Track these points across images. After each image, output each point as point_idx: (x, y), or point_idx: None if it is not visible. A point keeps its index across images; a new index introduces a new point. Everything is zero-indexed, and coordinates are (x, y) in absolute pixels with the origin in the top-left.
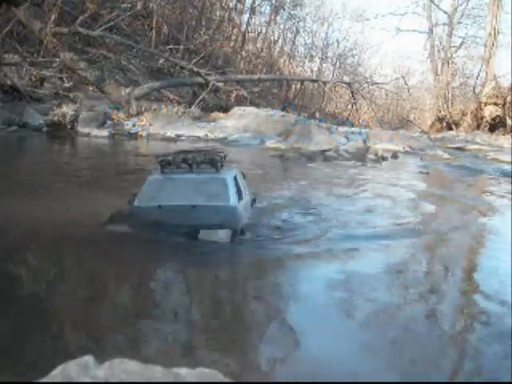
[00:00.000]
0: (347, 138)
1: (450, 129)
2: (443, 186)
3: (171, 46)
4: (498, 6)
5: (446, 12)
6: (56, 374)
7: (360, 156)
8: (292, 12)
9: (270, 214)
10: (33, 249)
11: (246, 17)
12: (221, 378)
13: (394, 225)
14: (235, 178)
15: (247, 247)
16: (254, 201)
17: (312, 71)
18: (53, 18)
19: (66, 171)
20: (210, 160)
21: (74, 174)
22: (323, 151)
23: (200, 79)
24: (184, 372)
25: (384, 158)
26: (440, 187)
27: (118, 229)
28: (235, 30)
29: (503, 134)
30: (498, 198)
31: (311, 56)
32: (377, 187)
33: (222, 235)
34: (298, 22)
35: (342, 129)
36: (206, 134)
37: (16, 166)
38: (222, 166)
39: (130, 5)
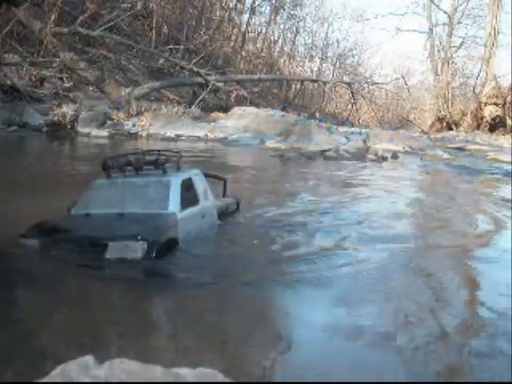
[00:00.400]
0: (347, 138)
1: (450, 129)
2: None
3: (171, 46)
4: (497, 6)
5: (446, 12)
6: (56, 373)
7: (360, 156)
8: (292, 12)
9: (249, 225)
10: None
11: (246, 17)
12: (221, 378)
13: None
14: (187, 182)
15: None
16: (237, 205)
17: (312, 71)
18: (53, 18)
19: (66, 171)
20: (154, 162)
21: (73, 175)
22: (323, 151)
23: (200, 79)
24: (184, 372)
25: (384, 158)
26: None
27: (29, 243)
28: (235, 30)
29: (503, 134)
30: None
31: (311, 56)
32: (378, 195)
33: (134, 250)
34: (298, 22)
35: (342, 129)
36: (206, 134)
37: (16, 166)
38: (178, 168)
39: (130, 5)
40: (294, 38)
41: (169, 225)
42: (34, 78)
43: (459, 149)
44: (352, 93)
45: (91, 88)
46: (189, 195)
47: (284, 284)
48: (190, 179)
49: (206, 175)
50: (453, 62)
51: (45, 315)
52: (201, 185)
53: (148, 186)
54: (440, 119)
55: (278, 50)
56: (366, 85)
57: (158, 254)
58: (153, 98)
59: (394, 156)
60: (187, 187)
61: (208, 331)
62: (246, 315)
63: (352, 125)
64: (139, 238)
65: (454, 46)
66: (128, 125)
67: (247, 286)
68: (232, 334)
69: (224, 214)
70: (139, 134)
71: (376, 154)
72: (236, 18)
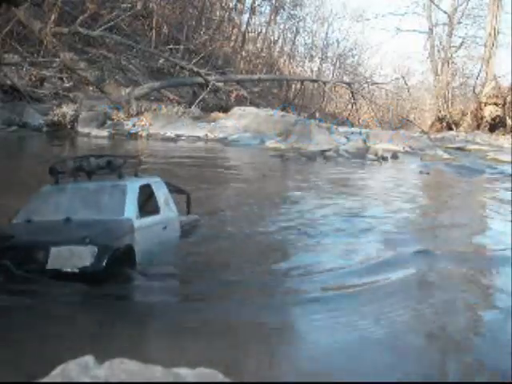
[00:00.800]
0: (347, 138)
1: (450, 129)
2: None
3: (171, 46)
4: (497, 6)
5: (445, 12)
6: (56, 373)
7: (360, 156)
8: (292, 12)
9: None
10: None
11: (246, 17)
12: (221, 378)
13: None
14: (146, 189)
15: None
16: (195, 222)
17: (312, 71)
18: (53, 18)
19: None
20: (108, 165)
21: None
22: (323, 151)
23: (200, 79)
24: (184, 372)
25: (384, 158)
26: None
27: None
28: (235, 30)
29: (503, 134)
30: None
31: (311, 56)
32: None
33: (81, 257)
34: (297, 22)
35: (342, 129)
36: (206, 134)
37: (16, 166)
38: (136, 173)
39: (130, 5)
40: (294, 38)
41: (124, 231)
42: (34, 78)
43: (459, 149)
44: (352, 93)
45: (91, 88)
46: (148, 203)
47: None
48: (149, 186)
49: (169, 187)
50: (453, 62)
51: None
52: (162, 193)
53: (101, 191)
54: (440, 119)
55: (278, 50)
56: (365, 85)
57: (111, 262)
58: (153, 98)
59: (394, 156)
60: (146, 194)
61: None
62: None
63: (352, 125)
64: (88, 240)
65: (454, 46)
66: (128, 125)
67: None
68: None
69: (188, 231)
70: (139, 133)
71: (376, 154)
72: (236, 18)
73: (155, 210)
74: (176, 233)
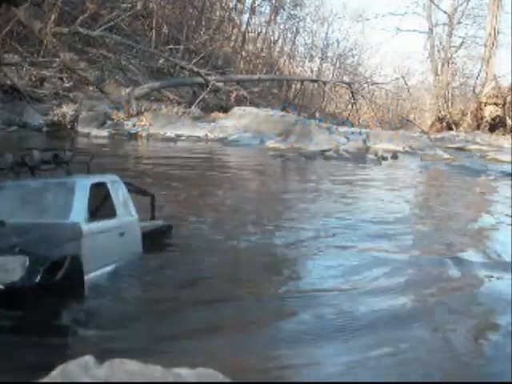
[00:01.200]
0: (347, 138)
1: (450, 129)
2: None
3: (171, 46)
4: (497, 6)
5: (445, 12)
6: (56, 373)
7: (360, 156)
8: (292, 12)
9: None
10: None
11: (246, 17)
12: (221, 378)
13: None
14: (100, 188)
15: None
16: (166, 229)
17: (312, 71)
18: (53, 18)
19: None
20: (54, 160)
21: None
22: (323, 151)
23: (200, 79)
24: (184, 372)
25: (384, 158)
26: None
27: None
28: (235, 30)
29: (503, 134)
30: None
31: (311, 56)
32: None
33: (7, 270)
34: (298, 22)
35: (342, 129)
36: (206, 134)
37: None
38: (88, 170)
39: (130, 5)
40: (294, 38)
41: (67, 237)
42: (34, 78)
43: (459, 149)
44: (352, 93)
45: (91, 88)
46: (101, 205)
47: None
48: (103, 184)
49: (128, 187)
50: (453, 62)
51: None
52: (119, 194)
53: (45, 189)
54: (440, 119)
55: (278, 50)
56: (365, 85)
57: (48, 277)
58: (153, 98)
59: (394, 156)
60: (100, 194)
61: None
62: None
63: (352, 125)
64: (17, 249)
65: (454, 46)
66: (128, 125)
67: None
68: None
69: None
70: (139, 134)
71: (376, 154)
72: (236, 17)
73: (110, 213)
74: (136, 240)
